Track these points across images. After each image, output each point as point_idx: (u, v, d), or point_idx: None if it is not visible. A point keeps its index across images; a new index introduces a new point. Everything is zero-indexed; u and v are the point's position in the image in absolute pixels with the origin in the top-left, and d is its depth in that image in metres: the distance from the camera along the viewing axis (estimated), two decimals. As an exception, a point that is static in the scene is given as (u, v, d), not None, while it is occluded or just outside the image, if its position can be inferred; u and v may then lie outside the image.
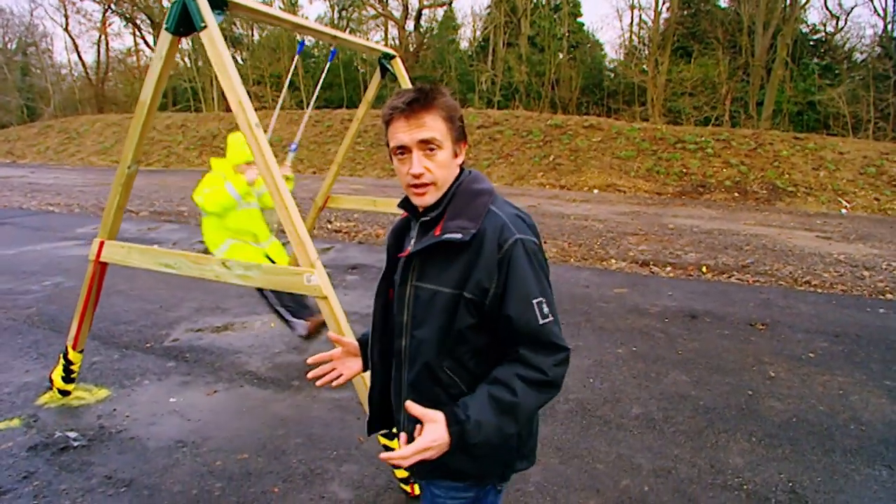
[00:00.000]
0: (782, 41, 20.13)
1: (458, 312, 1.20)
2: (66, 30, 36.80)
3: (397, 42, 28.43)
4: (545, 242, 7.88)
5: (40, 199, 12.02)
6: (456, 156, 1.27)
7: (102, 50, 33.04)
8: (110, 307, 4.83)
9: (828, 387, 3.66)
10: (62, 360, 3.25)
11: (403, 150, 1.21)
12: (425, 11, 29.82)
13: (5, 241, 7.63)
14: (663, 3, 23.64)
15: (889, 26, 22.15)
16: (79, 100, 33.54)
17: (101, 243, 3.00)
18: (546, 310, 1.19)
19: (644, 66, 23.93)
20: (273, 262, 3.63)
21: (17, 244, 7.47)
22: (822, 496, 2.55)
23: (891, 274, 6.72)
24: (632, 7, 30.09)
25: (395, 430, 1.40)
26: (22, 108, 33.85)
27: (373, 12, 30.37)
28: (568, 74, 25.70)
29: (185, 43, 2.63)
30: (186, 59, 28.66)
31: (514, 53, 26.68)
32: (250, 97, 2.93)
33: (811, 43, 24.38)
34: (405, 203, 1.32)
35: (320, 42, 23.45)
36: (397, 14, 29.12)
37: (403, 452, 1.11)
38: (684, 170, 15.13)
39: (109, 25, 33.41)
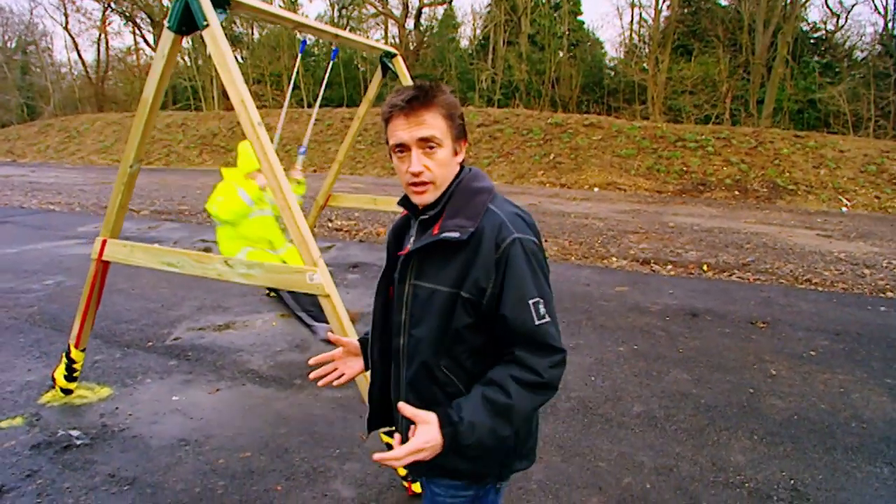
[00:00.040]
0: (783, 39, 20.11)
1: (455, 312, 1.19)
2: (65, 28, 36.68)
3: (397, 40, 28.37)
4: (546, 241, 7.89)
5: (41, 197, 12.01)
6: (456, 154, 1.25)
7: (102, 48, 33.06)
8: (112, 306, 4.84)
9: (829, 385, 3.67)
10: (65, 359, 3.26)
11: (403, 148, 1.20)
12: (425, 10, 29.83)
13: (7, 240, 7.63)
14: (664, 2, 23.64)
15: (889, 24, 22.16)
16: (79, 98, 33.52)
17: (104, 242, 3.01)
18: (543, 310, 1.17)
19: (644, 65, 23.91)
20: None
21: (18, 243, 7.47)
22: (823, 494, 2.55)
23: (891, 272, 6.72)
24: (632, 5, 30.02)
25: (395, 428, 1.40)
26: (22, 106, 33.86)
27: (373, 10, 30.33)
28: (568, 73, 25.69)
29: (186, 42, 2.64)
30: (186, 58, 28.63)
31: (514, 52, 26.66)
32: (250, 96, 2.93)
33: (812, 41, 24.34)
34: (405, 201, 1.31)
35: (320, 41, 23.45)
36: (397, 12, 29.09)
37: (397, 453, 1.11)
38: (685, 168, 15.12)
39: (109, 24, 33.42)
